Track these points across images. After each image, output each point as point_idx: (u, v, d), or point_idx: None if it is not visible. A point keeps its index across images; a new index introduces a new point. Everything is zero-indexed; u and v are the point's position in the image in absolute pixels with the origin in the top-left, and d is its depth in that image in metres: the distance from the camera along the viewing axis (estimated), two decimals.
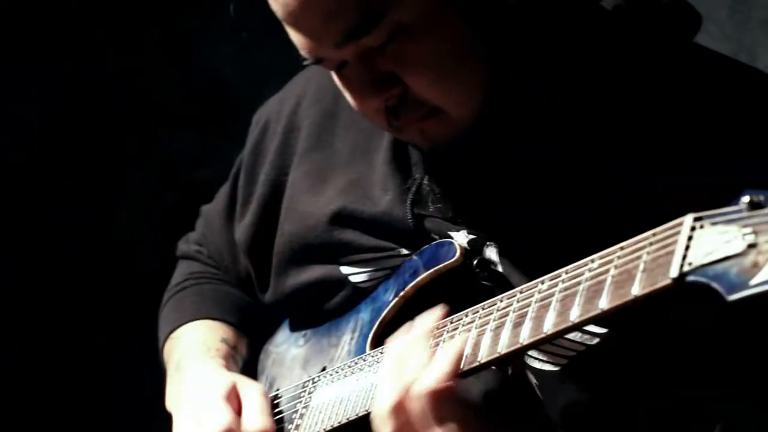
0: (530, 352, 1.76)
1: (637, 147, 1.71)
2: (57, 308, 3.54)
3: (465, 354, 1.62)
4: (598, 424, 1.75)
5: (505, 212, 1.79)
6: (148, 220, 3.53)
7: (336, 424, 1.82)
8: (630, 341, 1.70)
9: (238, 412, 1.93)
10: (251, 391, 1.95)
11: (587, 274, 1.51)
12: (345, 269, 1.93)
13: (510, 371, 1.76)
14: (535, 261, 1.64)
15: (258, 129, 2.12)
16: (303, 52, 1.75)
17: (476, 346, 1.61)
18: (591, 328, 1.71)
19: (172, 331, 2.17)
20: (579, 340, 1.72)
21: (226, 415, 1.90)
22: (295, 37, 1.74)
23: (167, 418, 2.05)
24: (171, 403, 2.08)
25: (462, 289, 1.77)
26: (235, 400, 1.94)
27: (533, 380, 1.77)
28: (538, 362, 1.76)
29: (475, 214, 1.82)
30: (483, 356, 1.60)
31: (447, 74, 1.72)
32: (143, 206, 3.54)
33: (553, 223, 1.74)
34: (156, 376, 2.17)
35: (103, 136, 3.55)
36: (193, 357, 2.08)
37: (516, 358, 1.72)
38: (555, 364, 1.74)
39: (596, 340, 1.71)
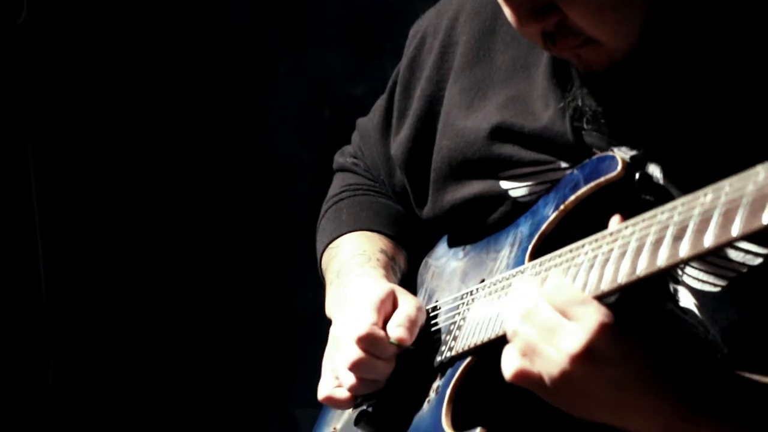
0: (690, 272, 1.81)
1: None
2: (207, 224, 3.68)
3: (623, 267, 1.67)
4: (761, 344, 1.78)
5: (668, 132, 1.83)
6: (303, 137, 3.64)
7: (493, 337, 1.89)
8: None
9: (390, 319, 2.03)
10: (406, 302, 2.04)
11: (752, 187, 1.53)
12: (504, 184, 2.00)
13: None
14: (699, 179, 1.66)
15: (415, 42, 2.20)
16: None
17: (635, 259, 1.65)
18: (753, 248, 1.74)
19: (330, 242, 2.28)
20: (741, 260, 1.75)
21: (370, 320, 2.00)
22: None
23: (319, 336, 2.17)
24: (330, 308, 2.19)
25: (623, 203, 1.81)
26: (390, 307, 2.04)
27: (692, 300, 1.82)
28: (698, 282, 1.80)
29: (636, 132, 1.86)
30: (642, 270, 1.64)
31: (607, 7, 1.75)
32: (298, 124, 3.64)
33: (718, 143, 1.78)
34: (307, 296, 2.27)
35: (257, 56, 3.65)
36: (354, 265, 2.18)
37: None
38: (715, 285, 1.79)
39: (759, 261, 1.75)
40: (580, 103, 1.89)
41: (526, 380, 1.72)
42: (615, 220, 1.75)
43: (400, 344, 2.00)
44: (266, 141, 3.68)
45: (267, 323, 3.72)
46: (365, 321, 2.01)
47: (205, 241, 3.72)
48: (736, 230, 1.53)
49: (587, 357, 1.65)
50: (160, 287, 3.70)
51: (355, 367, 2.01)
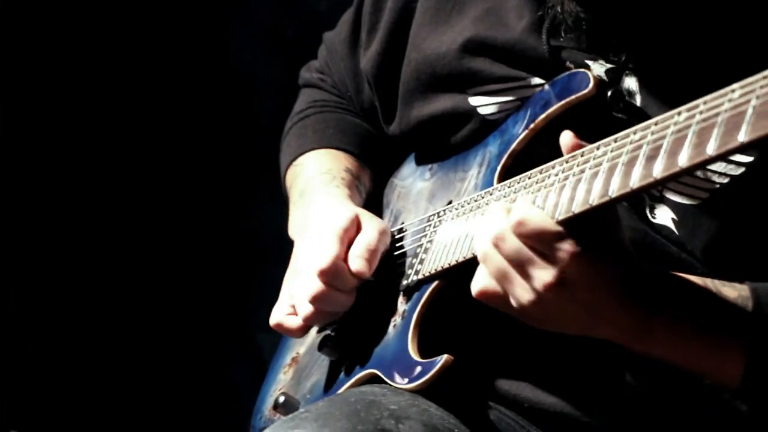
0: (670, 185, 1.81)
1: None
2: (170, 142, 3.64)
3: (596, 188, 1.65)
4: (739, 258, 1.80)
5: (646, 41, 1.81)
6: (266, 53, 3.59)
7: (461, 259, 1.87)
8: None
9: None
10: (369, 228, 2.02)
11: (727, 105, 1.51)
12: (473, 100, 1.98)
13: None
14: (677, 91, 1.65)
15: None
16: None
17: (608, 179, 1.64)
18: (737, 157, 1.75)
19: (294, 159, 2.25)
20: (723, 171, 1.76)
21: (333, 252, 1.97)
22: None
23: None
24: (293, 230, 2.17)
25: (595, 122, 1.79)
26: (354, 234, 2.02)
27: (671, 215, 1.82)
28: (678, 196, 1.81)
29: (613, 43, 1.84)
30: (614, 190, 1.62)
31: None
32: (261, 40, 3.59)
33: (698, 53, 1.77)
34: (271, 217, 2.22)
35: None
36: (318, 184, 2.16)
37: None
38: (695, 198, 1.79)
39: (741, 170, 1.75)
40: (560, 9, 1.86)
41: (492, 301, 1.74)
42: (567, 136, 1.72)
43: (358, 276, 1.98)
44: (229, 58, 3.63)
45: (229, 244, 3.70)
46: (328, 253, 1.98)
47: (168, 159, 3.68)
48: (711, 149, 1.52)
49: (559, 286, 1.68)
50: (117, 204, 3.66)
51: (315, 300, 1.99)
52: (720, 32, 1.78)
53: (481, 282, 1.75)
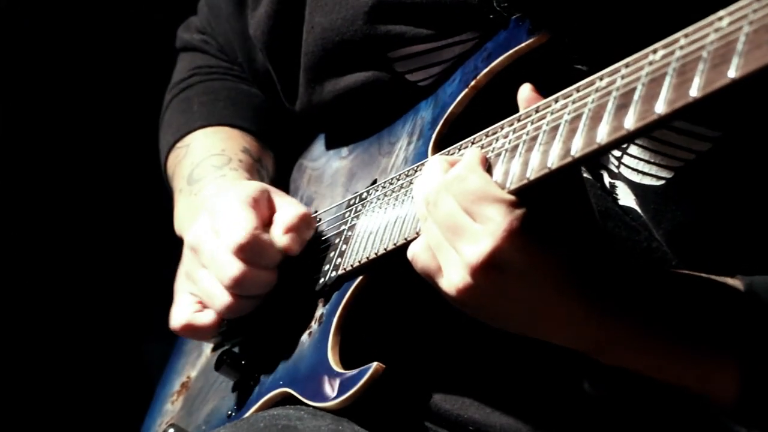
0: (629, 162, 1.66)
1: None
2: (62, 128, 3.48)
3: (555, 148, 1.47)
4: (709, 246, 1.66)
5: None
6: None
7: (390, 247, 1.69)
8: (744, 145, 1.61)
9: (267, 223, 1.81)
10: (286, 202, 1.82)
11: (713, 36, 1.36)
12: (398, 66, 1.80)
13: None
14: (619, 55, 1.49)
15: None
16: None
17: (569, 136, 1.46)
18: (702, 130, 1.62)
19: (178, 140, 2.07)
20: (687, 146, 1.62)
21: (250, 224, 1.77)
22: None
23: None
24: (181, 222, 1.98)
25: (549, 76, 1.62)
26: (265, 209, 1.82)
27: (632, 197, 1.68)
28: (638, 175, 1.66)
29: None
30: (578, 149, 1.44)
31: None
32: None
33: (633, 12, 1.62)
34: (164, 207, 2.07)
35: None
36: (210, 168, 1.98)
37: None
38: (658, 177, 1.64)
39: (708, 146, 1.62)
40: None
41: (424, 274, 1.58)
42: (526, 90, 1.55)
43: (286, 252, 1.78)
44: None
45: (114, 239, 3.53)
46: (243, 225, 1.77)
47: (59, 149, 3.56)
48: (695, 90, 1.35)
49: (491, 267, 1.50)
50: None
51: (237, 284, 1.77)
52: None
53: (414, 246, 1.58)
